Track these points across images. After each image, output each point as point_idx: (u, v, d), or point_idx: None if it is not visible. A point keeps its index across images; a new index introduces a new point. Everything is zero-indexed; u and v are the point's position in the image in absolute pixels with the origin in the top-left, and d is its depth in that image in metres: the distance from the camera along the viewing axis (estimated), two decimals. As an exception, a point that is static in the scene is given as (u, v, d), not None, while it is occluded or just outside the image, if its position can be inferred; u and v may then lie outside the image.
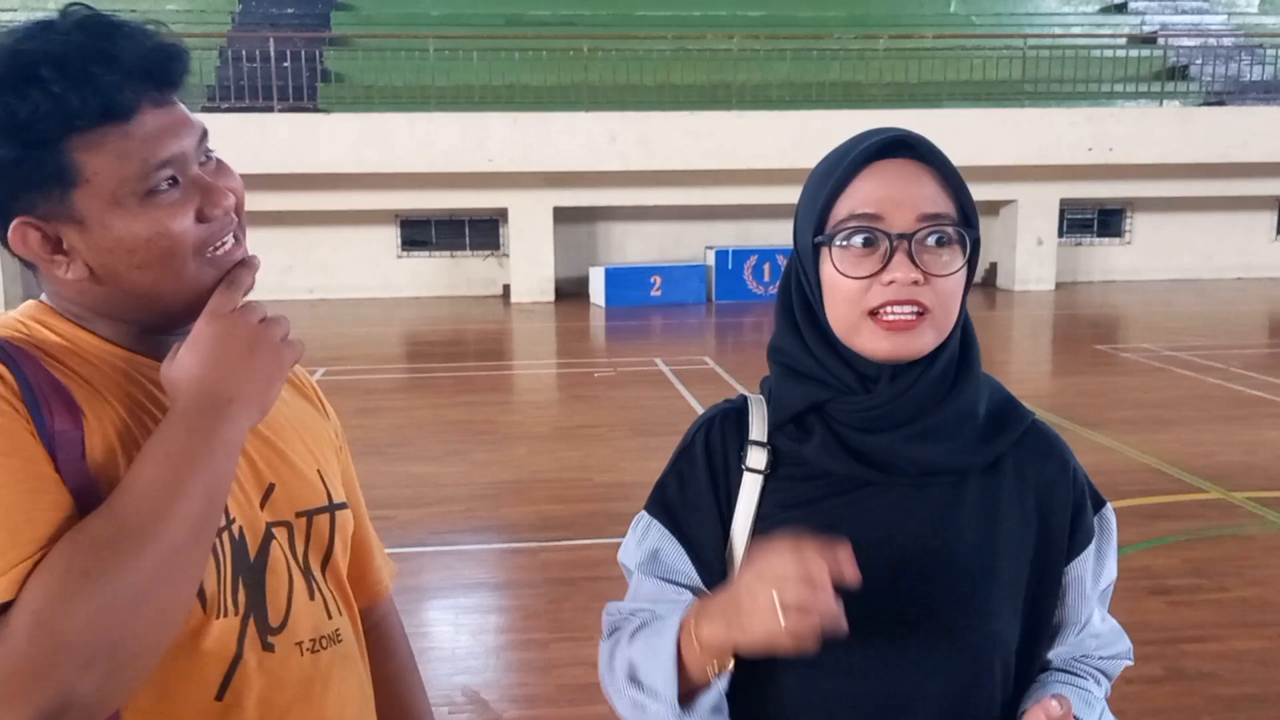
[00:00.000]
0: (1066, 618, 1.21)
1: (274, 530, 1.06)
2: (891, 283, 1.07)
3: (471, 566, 5.10)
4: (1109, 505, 1.25)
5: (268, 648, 1.03)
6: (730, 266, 16.44)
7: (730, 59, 16.34)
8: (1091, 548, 1.20)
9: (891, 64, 16.47)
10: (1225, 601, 4.45)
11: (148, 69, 0.96)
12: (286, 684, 1.04)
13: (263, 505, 1.07)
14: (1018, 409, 1.20)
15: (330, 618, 1.12)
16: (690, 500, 1.20)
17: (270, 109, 15.20)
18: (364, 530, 1.28)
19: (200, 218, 1.00)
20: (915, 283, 1.07)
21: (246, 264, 1.05)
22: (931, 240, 1.08)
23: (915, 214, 1.08)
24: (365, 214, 16.69)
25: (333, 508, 1.15)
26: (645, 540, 1.21)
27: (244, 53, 15.73)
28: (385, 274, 17.27)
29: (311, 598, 1.10)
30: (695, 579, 1.18)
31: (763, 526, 1.16)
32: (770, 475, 1.17)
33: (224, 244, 1.03)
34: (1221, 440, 7.25)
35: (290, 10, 18.18)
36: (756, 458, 1.18)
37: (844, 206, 1.10)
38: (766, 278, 16.35)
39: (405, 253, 17.38)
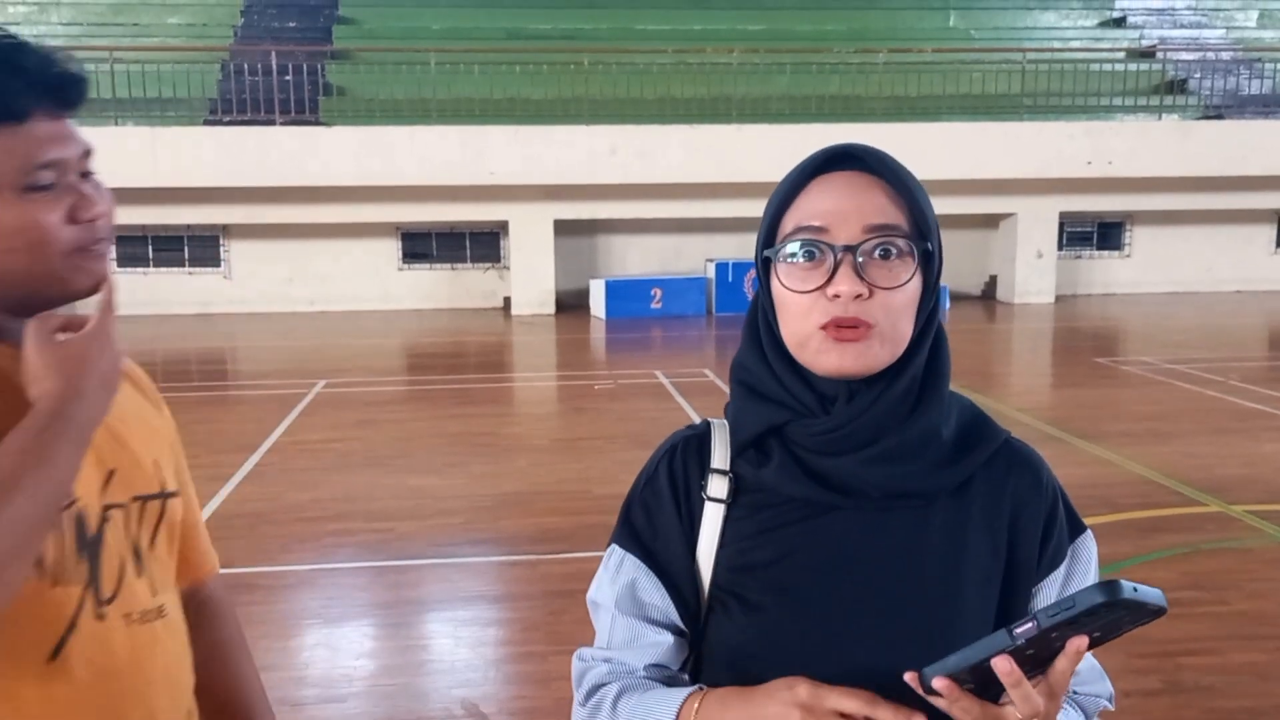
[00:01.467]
0: None
1: (111, 511, 1.17)
2: (836, 297, 1.04)
3: (470, 579, 5.10)
4: (1089, 534, 1.19)
5: (100, 617, 1.13)
6: (730, 279, 16.47)
7: (730, 72, 16.40)
8: (1059, 571, 1.15)
9: (891, 78, 16.53)
10: (1224, 615, 4.45)
11: (48, 85, 1.10)
12: (115, 651, 1.14)
13: (103, 488, 1.17)
14: (988, 427, 1.15)
15: (155, 594, 1.21)
16: (658, 530, 1.17)
17: (272, 122, 15.25)
18: (193, 517, 1.39)
19: (71, 218, 1.11)
20: (859, 296, 1.03)
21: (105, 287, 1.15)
22: (878, 253, 1.05)
23: (861, 225, 1.05)
24: (366, 226, 16.73)
25: (165, 495, 1.26)
26: (620, 574, 1.18)
27: (246, 66, 15.79)
28: (386, 286, 17.30)
29: (140, 575, 1.20)
30: (673, 616, 1.15)
31: (724, 556, 1.13)
32: (732, 503, 1.14)
33: (95, 251, 1.14)
34: (1221, 453, 7.25)
35: (292, 24, 18.26)
36: (717, 486, 1.15)
37: (790, 220, 1.09)
38: (766, 290, 16.37)
39: (406, 265, 17.42)
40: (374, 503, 6.27)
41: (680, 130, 15.50)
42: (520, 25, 18.31)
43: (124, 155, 14.43)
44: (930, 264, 1.09)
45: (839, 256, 1.05)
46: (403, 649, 4.32)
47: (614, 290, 16.04)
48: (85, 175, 1.14)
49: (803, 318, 1.07)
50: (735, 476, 1.15)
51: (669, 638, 1.15)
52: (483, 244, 17.57)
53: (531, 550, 5.41)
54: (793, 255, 1.07)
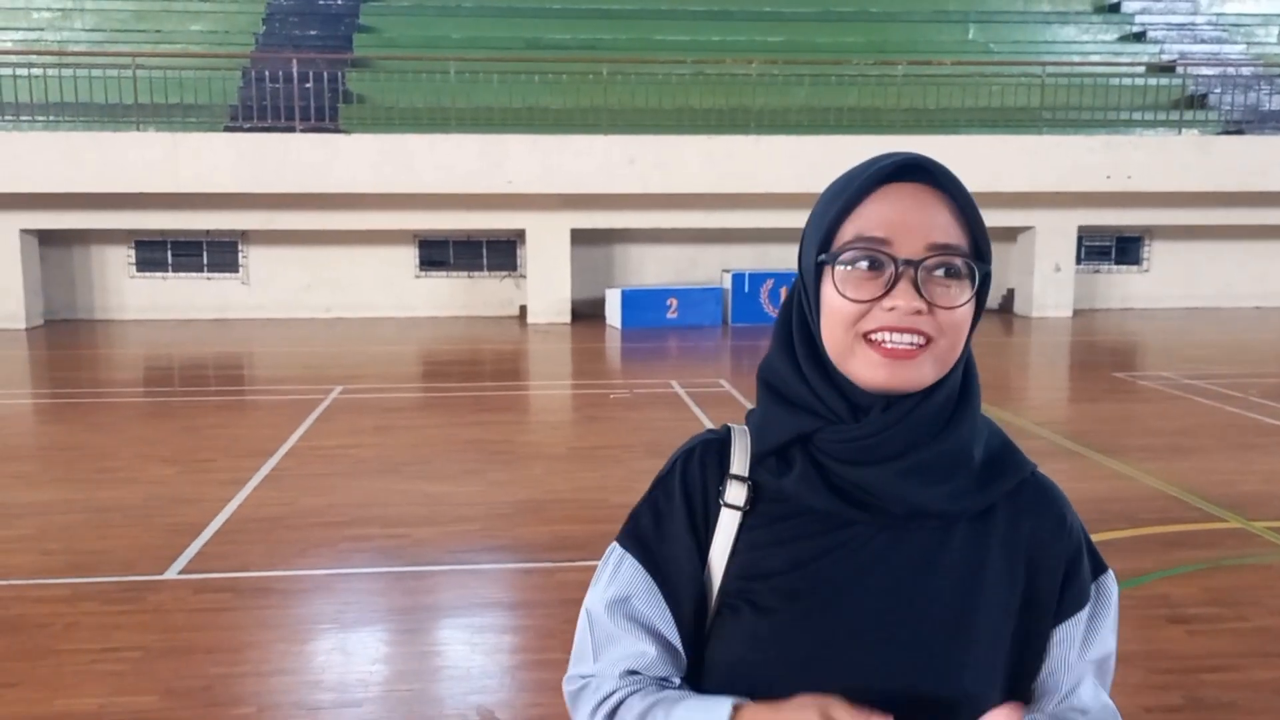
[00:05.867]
0: (1047, 683, 1.13)
1: None
2: (893, 309, 1.03)
3: (487, 586, 5.09)
4: (1110, 573, 1.16)
5: None
6: (746, 290, 16.46)
7: (749, 83, 16.40)
8: (1083, 613, 1.13)
9: (910, 90, 16.51)
10: (1244, 631, 4.41)
11: None
12: None
13: None
14: (1016, 456, 1.13)
15: None
16: (665, 534, 1.15)
17: (292, 129, 15.33)
18: None
19: None
20: (918, 312, 1.02)
21: None
22: (939, 271, 1.04)
23: (925, 242, 1.04)
24: (384, 234, 16.79)
25: None
26: (618, 575, 1.16)
27: (267, 73, 15.89)
28: (403, 293, 17.34)
29: None
30: (662, 628, 1.13)
31: (736, 564, 1.11)
32: (749, 511, 1.12)
33: None
34: (1241, 469, 7.20)
35: (313, 32, 18.36)
36: (735, 493, 1.13)
37: (851, 228, 1.06)
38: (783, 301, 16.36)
39: (423, 273, 17.46)
40: (390, 509, 6.27)
41: (698, 141, 15.52)
42: (540, 35, 18.37)
43: (145, 161, 14.55)
44: (985, 287, 1.08)
45: (900, 270, 1.03)
46: (419, 655, 4.32)
47: (630, 300, 16.05)
48: None
49: (850, 325, 1.05)
50: (754, 484, 1.13)
51: (652, 649, 1.12)
52: (500, 252, 17.61)
53: (548, 558, 5.41)
54: (852, 263, 1.05)
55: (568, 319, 16.47)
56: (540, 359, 13.38)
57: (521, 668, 4.16)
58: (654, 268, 17.65)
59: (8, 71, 15.31)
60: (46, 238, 16.18)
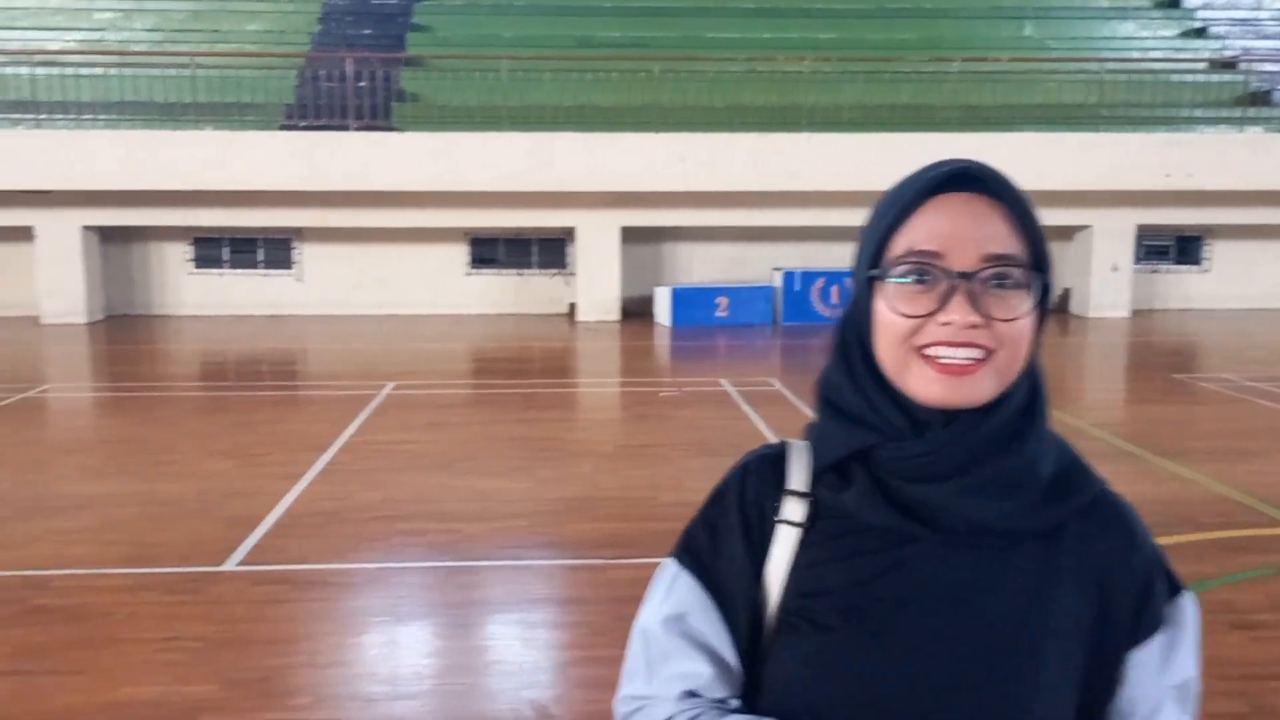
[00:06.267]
0: (1123, 710, 1.07)
1: None
2: (948, 324, 1.00)
3: (537, 581, 5.11)
4: (1190, 594, 1.11)
5: None
6: (798, 288, 16.38)
7: (800, 81, 16.31)
8: (1161, 636, 1.07)
9: (964, 87, 16.33)
10: (1311, 640, 4.31)
11: None
12: None
13: None
14: (1086, 474, 1.09)
15: None
16: (722, 550, 1.12)
17: (346, 127, 15.50)
18: None
19: None
20: (974, 326, 0.99)
21: None
22: (995, 283, 1.00)
23: (979, 253, 1.00)
24: (435, 231, 16.92)
25: None
26: (674, 592, 1.13)
27: (322, 72, 16.08)
28: (453, 291, 17.47)
29: None
30: (718, 646, 1.10)
31: (795, 581, 1.08)
32: (808, 528, 1.09)
33: None
34: (1306, 474, 7.03)
35: (367, 31, 18.55)
36: (793, 509, 1.10)
37: (902, 241, 1.03)
38: (835, 300, 16.27)
39: (473, 270, 17.58)
40: (442, 504, 6.32)
41: (748, 138, 15.47)
42: (591, 33, 18.41)
43: (203, 159, 14.79)
44: (1047, 297, 1.05)
45: (954, 283, 1.00)
46: (471, 649, 4.35)
47: (680, 298, 16.04)
48: None
49: (903, 340, 1.03)
50: (812, 500, 1.10)
51: (709, 668, 1.09)
52: (549, 250, 17.68)
53: (597, 555, 5.42)
54: (903, 277, 1.03)
55: (616, 317, 16.50)
56: (589, 356, 13.41)
57: (573, 664, 4.17)
58: (702, 266, 17.63)
59: (70, 71, 15.65)
60: (107, 235, 16.52)
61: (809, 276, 16.41)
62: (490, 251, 17.61)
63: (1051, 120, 16.33)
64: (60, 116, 15.52)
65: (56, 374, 11.92)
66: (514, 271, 17.66)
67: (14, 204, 15.38)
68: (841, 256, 17.07)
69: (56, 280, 15.79)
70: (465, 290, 17.53)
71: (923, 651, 1.03)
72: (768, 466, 1.15)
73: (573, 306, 17.03)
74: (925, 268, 1.02)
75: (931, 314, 1.01)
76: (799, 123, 15.87)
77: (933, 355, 1.02)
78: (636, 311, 16.95)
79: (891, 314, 1.03)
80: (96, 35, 17.73)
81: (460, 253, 17.50)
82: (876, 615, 1.05)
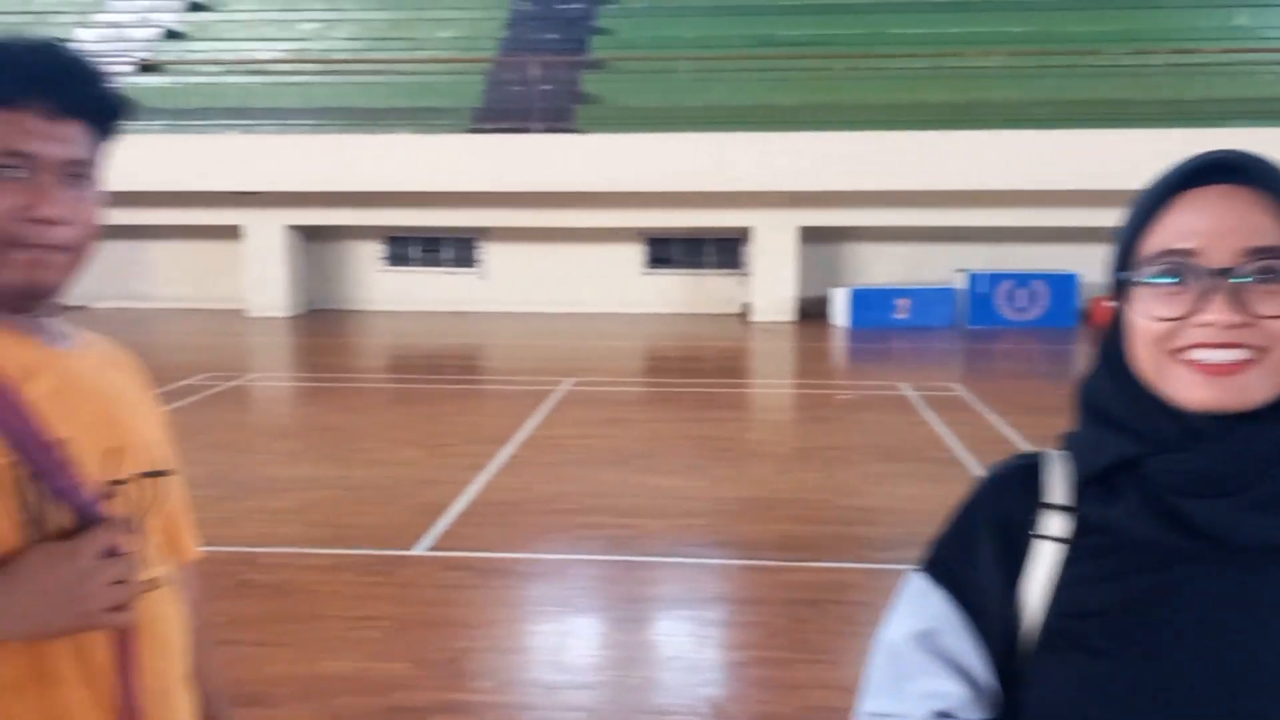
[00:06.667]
0: None
1: (117, 487, 1.22)
2: (1208, 325, 0.94)
3: (714, 580, 5.13)
4: None
5: None
6: (984, 291, 15.86)
7: (986, 76, 15.78)
8: None
9: (1168, 80, 15.45)
10: None
11: (44, 84, 1.13)
12: None
13: (110, 465, 1.22)
14: None
15: (152, 566, 1.27)
16: (975, 565, 1.07)
17: (530, 130, 15.93)
18: (182, 499, 1.44)
19: (25, 214, 1.12)
20: (1237, 325, 0.93)
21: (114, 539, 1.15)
22: (1260, 277, 0.93)
23: (1239, 247, 0.94)
24: (613, 231, 17.19)
25: (163, 474, 1.31)
26: (924, 607, 1.08)
27: (508, 76, 16.57)
28: (629, 290, 17.71)
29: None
30: (980, 672, 1.05)
31: (1058, 601, 1.02)
32: (1071, 543, 1.03)
33: (35, 253, 1.14)
34: None
35: (552, 35, 19.00)
36: (1053, 523, 1.04)
37: (1153, 241, 0.98)
38: (1024, 303, 15.67)
39: (649, 270, 17.77)
40: (619, 499, 6.42)
41: (931, 136, 15.05)
42: (772, 32, 18.30)
43: (396, 161, 15.49)
44: None
45: (1212, 282, 0.95)
46: (647, 644, 4.40)
47: (860, 299, 15.79)
48: (76, 179, 1.16)
49: (1158, 343, 0.98)
50: (1073, 514, 1.04)
51: (961, 688, 1.04)
52: (724, 250, 17.69)
53: (774, 556, 5.39)
54: (1155, 278, 0.98)
55: (792, 317, 16.37)
56: (764, 357, 13.36)
57: (749, 664, 4.16)
58: (881, 266, 17.30)
59: (277, 79, 16.66)
60: (308, 234, 17.50)
61: (996, 279, 15.86)
62: (666, 251, 17.76)
63: (1267, 114, 15.24)
64: (268, 122, 16.54)
65: (262, 364, 12.72)
66: (689, 271, 17.76)
67: (225, 204, 16.48)
68: (1029, 258, 16.43)
69: (262, 276, 16.84)
70: (641, 289, 17.74)
71: (1205, 684, 0.96)
72: (1021, 477, 1.09)
73: (747, 306, 16.99)
74: (1178, 267, 0.96)
75: (1188, 316, 0.96)
76: (985, 119, 15.34)
77: (1194, 358, 0.96)
78: (812, 312, 16.77)
79: (1144, 318, 0.99)
80: (300, 45, 18.79)
81: (636, 253, 17.72)
82: (1153, 642, 0.98)
